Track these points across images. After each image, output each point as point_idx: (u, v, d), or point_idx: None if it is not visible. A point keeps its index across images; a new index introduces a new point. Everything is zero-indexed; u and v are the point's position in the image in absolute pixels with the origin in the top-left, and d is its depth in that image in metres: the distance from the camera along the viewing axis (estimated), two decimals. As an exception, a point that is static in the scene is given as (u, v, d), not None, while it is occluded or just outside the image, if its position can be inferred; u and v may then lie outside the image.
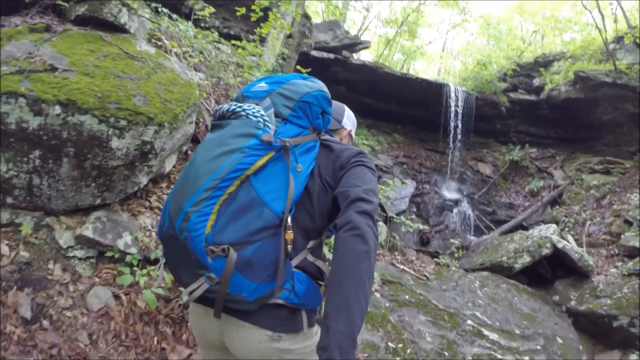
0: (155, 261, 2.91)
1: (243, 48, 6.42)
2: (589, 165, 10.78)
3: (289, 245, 1.17)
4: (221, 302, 1.15)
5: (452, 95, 13.15)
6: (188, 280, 1.21)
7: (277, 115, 1.31)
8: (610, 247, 7.62)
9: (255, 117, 1.24)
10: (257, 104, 1.31)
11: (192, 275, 1.18)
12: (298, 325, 1.26)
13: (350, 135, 1.74)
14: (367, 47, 13.87)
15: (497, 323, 4.66)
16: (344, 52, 12.97)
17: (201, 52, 6.50)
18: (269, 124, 1.25)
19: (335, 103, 1.64)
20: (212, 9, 7.12)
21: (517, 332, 4.70)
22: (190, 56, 5.81)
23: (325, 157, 1.35)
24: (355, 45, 13.56)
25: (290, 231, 1.16)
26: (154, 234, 3.07)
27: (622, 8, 12.50)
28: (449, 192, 12.20)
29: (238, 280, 1.12)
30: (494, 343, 4.13)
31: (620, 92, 10.30)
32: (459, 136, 13.37)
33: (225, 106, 1.30)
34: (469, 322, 4.40)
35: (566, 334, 5.47)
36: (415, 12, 17.87)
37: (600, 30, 11.21)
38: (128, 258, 2.85)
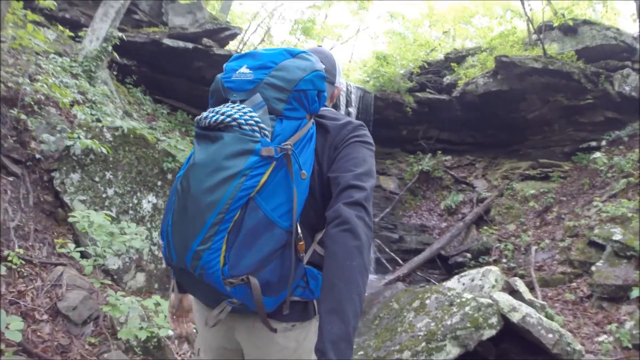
0: None
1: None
2: (518, 171, 8.29)
3: (302, 254, 1.12)
4: (266, 321, 1.12)
5: (343, 93, 10.24)
6: (210, 304, 1.21)
7: (270, 111, 1.11)
8: (575, 283, 4.72)
9: (250, 125, 1.06)
10: (243, 100, 1.12)
11: (213, 300, 1.17)
12: (310, 313, 1.23)
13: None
14: (235, 35, 10.60)
15: None
16: (205, 40, 9.60)
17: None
18: (265, 131, 1.07)
19: (323, 55, 1.41)
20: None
21: None
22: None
23: (322, 140, 1.21)
24: (221, 31, 10.20)
25: (302, 242, 1.10)
26: None
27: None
28: (340, 215, 8.99)
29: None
30: None
31: (552, 80, 8.19)
32: (353, 145, 10.44)
33: (211, 115, 1.10)
34: None
35: None
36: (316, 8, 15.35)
37: (528, 18, 9.21)
38: None
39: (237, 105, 1.10)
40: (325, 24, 20.02)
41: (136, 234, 2.95)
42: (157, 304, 2.64)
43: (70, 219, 2.49)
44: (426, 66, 11.78)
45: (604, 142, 7.70)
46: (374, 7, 16.48)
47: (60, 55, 5.99)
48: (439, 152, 10.41)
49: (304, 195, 1.12)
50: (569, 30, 8.84)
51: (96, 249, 2.46)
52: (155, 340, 2.93)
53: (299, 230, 1.09)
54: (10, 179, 3.74)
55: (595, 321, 3.93)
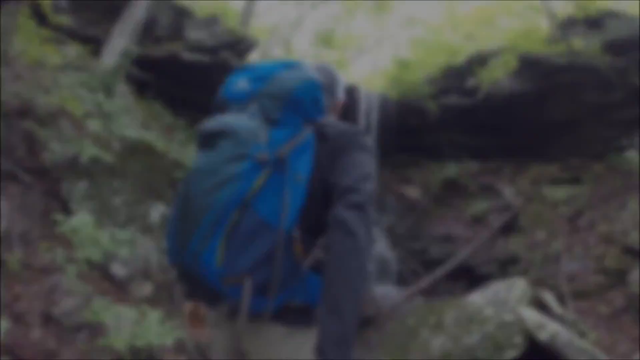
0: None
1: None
2: (548, 175, 7.83)
3: (301, 258, 1.15)
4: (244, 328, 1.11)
5: (362, 100, 10.13)
6: (211, 305, 1.23)
7: (266, 119, 1.20)
8: (611, 295, 4.33)
9: (245, 132, 1.14)
10: (241, 110, 1.22)
11: (212, 299, 1.18)
12: (312, 318, 1.19)
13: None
14: (252, 47, 10.66)
15: None
16: (223, 53, 9.72)
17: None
18: (260, 137, 1.15)
19: (323, 69, 1.46)
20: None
21: None
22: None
23: (321, 148, 1.24)
24: (238, 44, 10.32)
25: (300, 246, 1.13)
26: None
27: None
28: (361, 227, 8.79)
29: (257, 301, 1.09)
30: None
31: (579, 76, 7.82)
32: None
33: (210, 123, 1.22)
34: None
35: None
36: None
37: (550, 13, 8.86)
38: None
39: (235, 114, 1.20)
40: (348, 34, 20.05)
41: (128, 241, 2.89)
42: (143, 313, 2.54)
43: (58, 228, 2.44)
44: (448, 71, 11.46)
45: (637, 141, 7.21)
46: (394, 15, 16.32)
47: (79, 70, 6.19)
48: (465, 158, 10.04)
49: (301, 200, 1.15)
50: (594, 23, 8.40)
51: (80, 254, 2.40)
52: (147, 352, 2.84)
53: (297, 234, 1.12)
54: (20, 187, 3.83)
55: (632, 337, 3.55)
